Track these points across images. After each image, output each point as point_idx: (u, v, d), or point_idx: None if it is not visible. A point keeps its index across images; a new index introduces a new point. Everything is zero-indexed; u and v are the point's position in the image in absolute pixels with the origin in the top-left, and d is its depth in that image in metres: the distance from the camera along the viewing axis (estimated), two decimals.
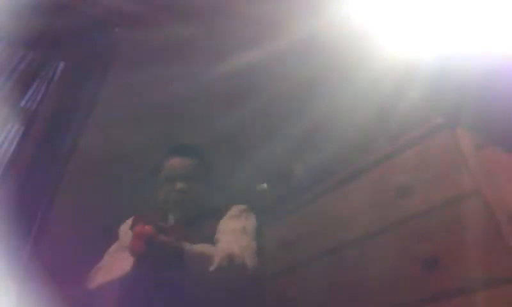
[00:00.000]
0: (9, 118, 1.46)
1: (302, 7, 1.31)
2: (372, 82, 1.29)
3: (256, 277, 1.28)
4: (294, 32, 1.33)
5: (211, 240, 1.32)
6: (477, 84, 1.04)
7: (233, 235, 1.32)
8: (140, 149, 1.65)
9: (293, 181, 1.59)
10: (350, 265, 1.24)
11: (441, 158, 1.13)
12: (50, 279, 1.25)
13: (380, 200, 1.23)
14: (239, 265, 1.22)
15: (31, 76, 1.51)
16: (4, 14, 1.30)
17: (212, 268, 1.16)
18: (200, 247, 1.21)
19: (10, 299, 1.21)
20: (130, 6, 1.45)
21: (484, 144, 1.07)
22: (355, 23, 1.24)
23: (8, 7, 1.31)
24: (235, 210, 1.44)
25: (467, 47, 1.08)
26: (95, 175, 1.66)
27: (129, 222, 1.46)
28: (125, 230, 1.43)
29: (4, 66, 1.46)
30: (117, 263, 1.29)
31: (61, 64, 1.58)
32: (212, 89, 1.60)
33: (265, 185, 1.70)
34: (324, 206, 1.39)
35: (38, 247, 1.35)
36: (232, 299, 1.24)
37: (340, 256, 1.27)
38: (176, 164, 1.46)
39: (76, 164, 1.50)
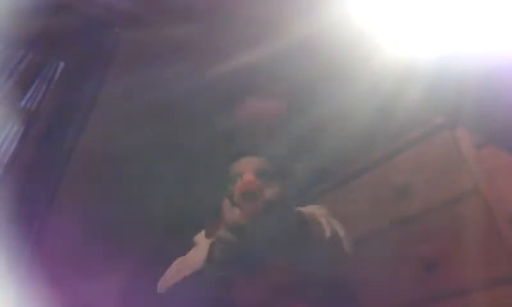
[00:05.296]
0: (9, 117, 1.47)
1: (302, 7, 1.31)
2: (372, 82, 1.29)
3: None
4: (294, 32, 1.33)
5: None
6: (477, 84, 1.04)
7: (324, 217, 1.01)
8: (140, 149, 1.65)
9: (293, 181, 1.59)
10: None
11: (441, 158, 1.13)
12: (50, 278, 1.25)
13: (380, 200, 1.23)
14: (344, 242, 0.95)
15: (31, 76, 1.52)
16: (4, 14, 1.30)
17: (326, 235, 0.89)
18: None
19: (10, 298, 1.21)
20: (130, 6, 1.45)
21: (483, 144, 1.07)
22: (355, 23, 1.24)
23: (8, 7, 1.30)
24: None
25: (467, 47, 1.08)
26: (95, 175, 1.66)
27: (203, 233, 1.15)
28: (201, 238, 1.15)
29: (4, 66, 1.47)
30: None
31: (61, 64, 1.58)
32: (212, 89, 1.60)
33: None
34: None
35: (38, 247, 1.35)
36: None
37: None
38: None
39: (76, 164, 1.50)
